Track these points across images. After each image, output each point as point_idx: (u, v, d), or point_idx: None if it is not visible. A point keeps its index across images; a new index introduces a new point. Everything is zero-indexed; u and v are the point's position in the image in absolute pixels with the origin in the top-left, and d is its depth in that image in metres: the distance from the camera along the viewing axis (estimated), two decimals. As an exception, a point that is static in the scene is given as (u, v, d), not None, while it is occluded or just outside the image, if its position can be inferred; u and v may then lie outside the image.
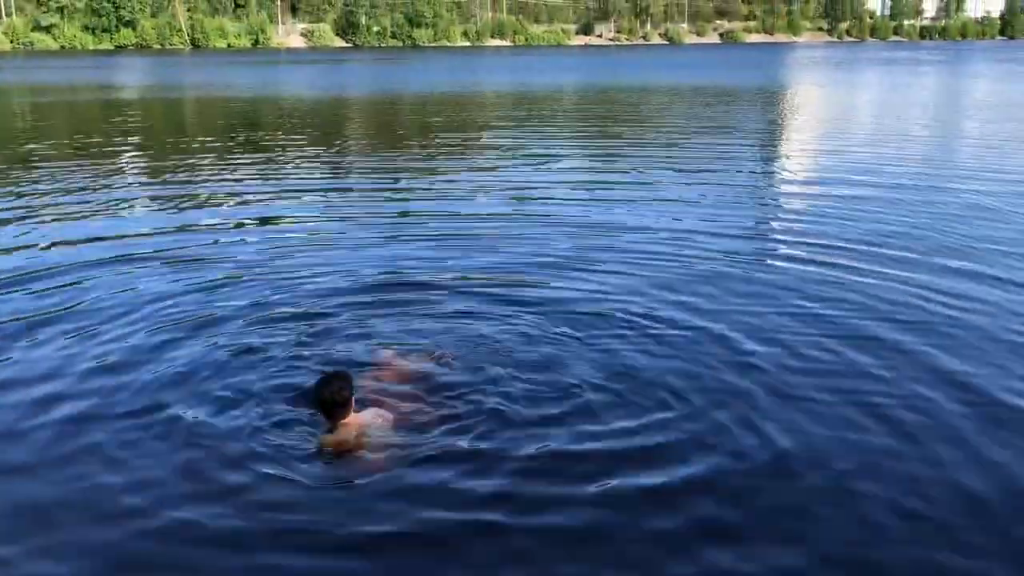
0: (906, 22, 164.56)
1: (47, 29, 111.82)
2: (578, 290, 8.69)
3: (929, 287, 8.72)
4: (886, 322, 7.72)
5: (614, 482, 5.03)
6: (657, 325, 7.62)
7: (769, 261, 10.00)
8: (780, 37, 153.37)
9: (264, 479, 5.04)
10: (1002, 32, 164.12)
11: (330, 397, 5.26)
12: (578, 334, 7.34)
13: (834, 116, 29.82)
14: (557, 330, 7.44)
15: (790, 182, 16.09)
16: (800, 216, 12.75)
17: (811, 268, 9.52)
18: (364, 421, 5.39)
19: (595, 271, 9.39)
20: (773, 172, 17.28)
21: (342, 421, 5.32)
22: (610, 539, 4.55)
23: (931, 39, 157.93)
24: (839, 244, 10.57)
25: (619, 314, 7.87)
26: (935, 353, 7.00)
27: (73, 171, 17.08)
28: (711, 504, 4.89)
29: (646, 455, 5.33)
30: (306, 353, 6.90)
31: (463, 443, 5.39)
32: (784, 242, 11.03)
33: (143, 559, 4.45)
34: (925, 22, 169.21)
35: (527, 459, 5.25)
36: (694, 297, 8.43)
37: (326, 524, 4.65)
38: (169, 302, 8.39)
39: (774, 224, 12.52)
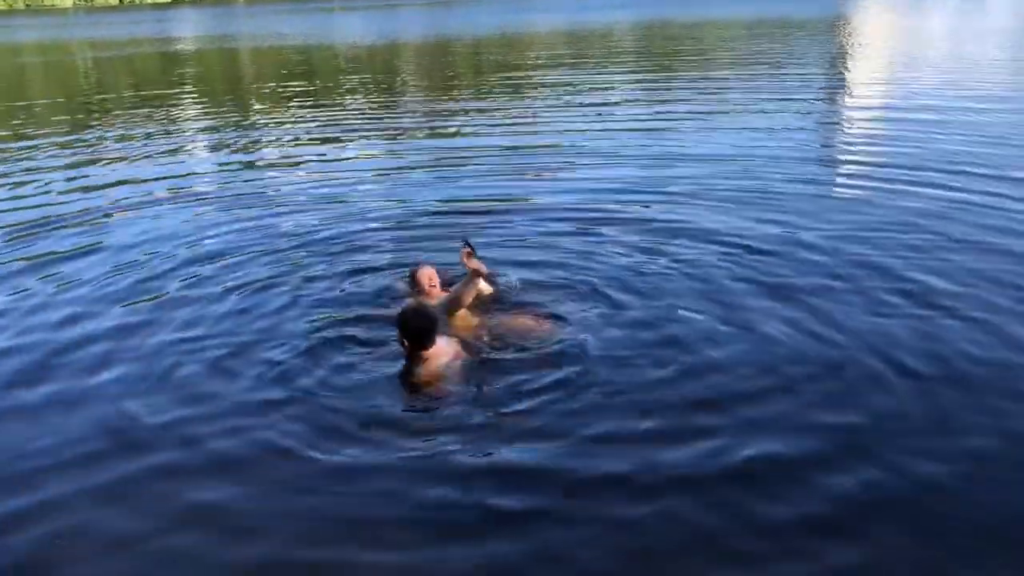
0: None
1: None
2: (648, 219, 8.72)
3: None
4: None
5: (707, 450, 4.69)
6: (740, 250, 7.61)
7: (845, 183, 9.89)
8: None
9: (361, 417, 5.07)
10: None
11: (420, 326, 5.36)
12: (654, 258, 7.47)
13: (901, 43, 28.80)
14: (622, 253, 7.58)
15: (862, 108, 15.69)
16: (876, 141, 12.49)
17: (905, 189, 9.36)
18: (443, 350, 5.49)
19: (670, 200, 9.42)
20: (843, 100, 16.83)
21: (426, 352, 5.40)
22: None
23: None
24: (930, 165, 10.48)
25: (701, 241, 7.90)
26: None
27: (135, 121, 17.53)
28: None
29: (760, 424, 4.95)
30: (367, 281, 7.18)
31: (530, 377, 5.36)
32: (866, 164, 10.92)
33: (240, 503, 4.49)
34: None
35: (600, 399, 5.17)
36: (778, 217, 8.54)
37: (435, 458, 4.67)
38: (231, 237, 8.75)
39: (853, 149, 12.36)
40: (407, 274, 6.85)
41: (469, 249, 5.96)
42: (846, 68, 22.54)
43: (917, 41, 30.09)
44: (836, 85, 19.33)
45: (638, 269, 7.32)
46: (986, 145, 11.76)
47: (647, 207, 9.29)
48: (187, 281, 7.52)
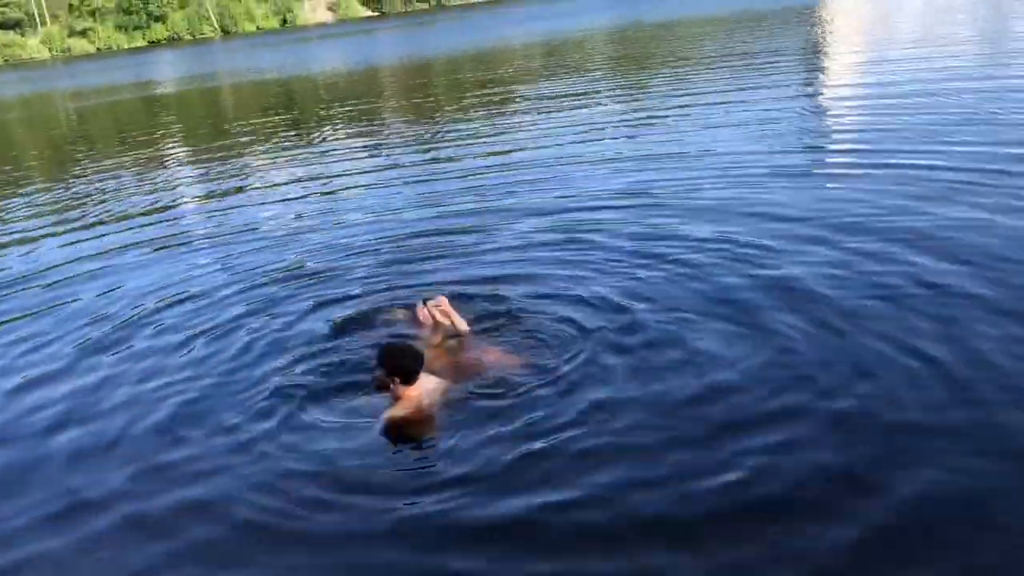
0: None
1: (83, 33, 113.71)
2: (627, 228, 8.73)
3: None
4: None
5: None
6: (730, 249, 7.67)
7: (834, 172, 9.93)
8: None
9: (335, 455, 5.05)
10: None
11: (406, 361, 5.31)
12: (636, 262, 7.56)
13: (871, 28, 28.94)
14: (611, 260, 7.70)
15: (840, 96, 15.79)
16: (856, 128, 12.61)
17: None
18: (427, 388, 5.40)
19: (656, 203, 9.53)
20: (821, 89, 16.91)
21: (406, 392, 5.32)
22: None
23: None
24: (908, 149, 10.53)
25: (687, 240, 8.00)
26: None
27: (119, 166, 17.57)
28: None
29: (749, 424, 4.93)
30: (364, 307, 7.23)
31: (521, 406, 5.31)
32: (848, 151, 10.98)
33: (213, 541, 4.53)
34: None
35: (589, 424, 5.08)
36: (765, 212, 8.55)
37: (404, 498, 4.60)
38: (207, 279, 8.82)
39: (835, 138, 12.46)
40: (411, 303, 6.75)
41: (438, 305, 6.21)
42: (821, 56, 22.65)
43: (887, 25, 30.22)
44: (812, 74, 19.39)
45: (633, 276, 7.30)
46: (964, 123, 11.80)
47: (636, 211, 9.32)
48: (156, 330, 7.51)
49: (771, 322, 6.13)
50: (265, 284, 8.40)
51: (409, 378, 5.30)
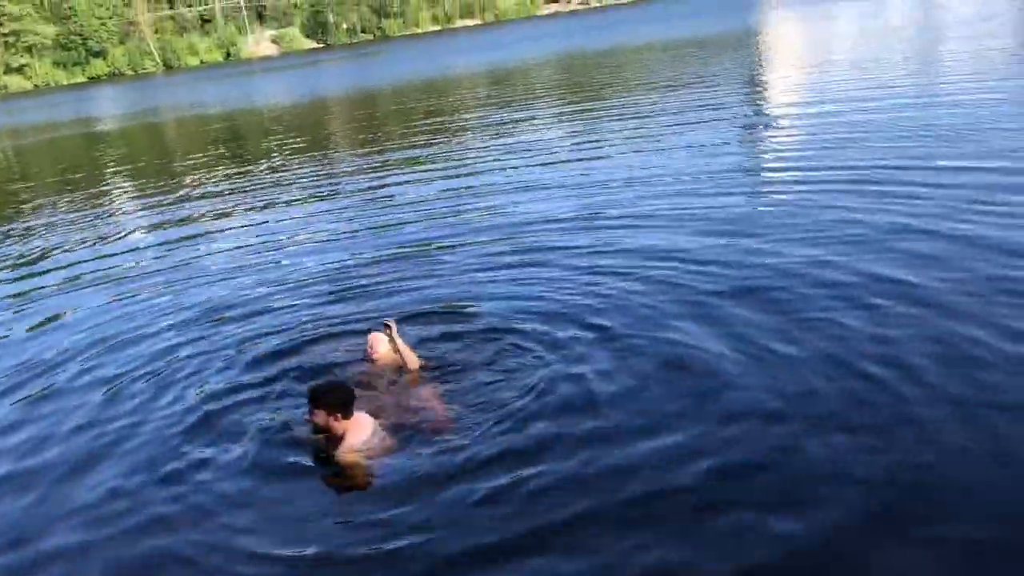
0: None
1: (19, 70, 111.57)
2: (580, 247, 8.91)
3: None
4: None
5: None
6: (691, 267, 7.85)
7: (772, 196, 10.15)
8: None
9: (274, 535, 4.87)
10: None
11: (342, 396, 5.33)
12: (577, 291, 7.57)
13: (808, 51, 29.71)
14: (561, 280, 7.83)
15: (782, 117, 16.14)
16: (793, 150, 12.92)
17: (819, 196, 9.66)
18: (360, 438, 5.31)
19: (603, 228, 9.63)
20: (759, 112, 17.29)
21: (350, 424, 5.30)
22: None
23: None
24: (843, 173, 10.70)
25: (647, 261, 8.14)
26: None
27: (62, 205, 17.28)
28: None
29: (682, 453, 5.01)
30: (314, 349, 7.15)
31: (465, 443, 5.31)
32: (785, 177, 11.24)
33: None
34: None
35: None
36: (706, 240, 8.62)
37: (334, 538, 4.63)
38: (144, 316, 8.73)
39: (778, 157, 12.82)
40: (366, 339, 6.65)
41: (388, 328, 6.22)
42: (761, 80, 23.17)
43: (825, 48, 31.04)
44: (754, 97, 19.86)
45: (586, 293, 7.49)
46: (900, 140, 12.24)
47: (587, 235, 9.48)
48: (79, 370, 7.43)
49: (725, 329, 6.41)
50: (206, 320, 8.36)
51: (348, 410, 5.29)
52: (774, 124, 15.61)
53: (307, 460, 5.40)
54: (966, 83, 16.56)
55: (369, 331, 6.68)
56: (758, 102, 18.92)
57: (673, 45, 38.81)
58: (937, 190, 9.29)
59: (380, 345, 6.43)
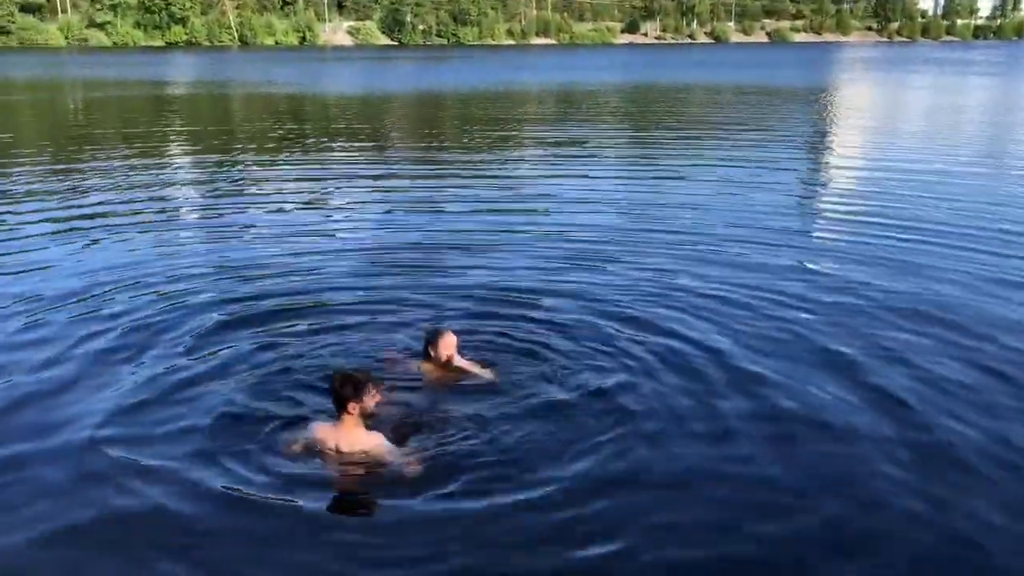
0: (959, 21, 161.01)
1: (101, 26, 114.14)
2: (608, 286, 8.64)
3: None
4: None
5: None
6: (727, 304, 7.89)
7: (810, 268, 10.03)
8: (828, 36, 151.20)
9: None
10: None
11: (363, 376, 5.24)
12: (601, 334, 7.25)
13: (882, 116, 29.36)
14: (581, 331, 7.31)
15: (835, 182, 15.93)
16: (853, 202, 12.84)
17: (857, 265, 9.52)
18: (371, 447, 5.19)
19: (635, 270, 9.29)
20: (819, 172, 17.08)
21: (345, 424, 5.17)
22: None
23: (985, 39, 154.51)
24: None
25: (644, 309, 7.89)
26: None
27: (118, 158, 17.50)
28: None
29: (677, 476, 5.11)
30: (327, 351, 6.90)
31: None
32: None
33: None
34: (979, 21, 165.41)
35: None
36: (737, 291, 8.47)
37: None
38: (206, 285, 8.66)
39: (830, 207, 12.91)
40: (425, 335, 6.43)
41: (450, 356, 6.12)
42: (825, 133, 22.94)
43: (894, 112, 30.68)
44: (816, 149, 19.67)
45: (635, 309, 7.69)
46: (948, 209, 12.25)
47: (630, 259, 9.50)
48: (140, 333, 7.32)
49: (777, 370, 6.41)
50: (229, 278, 8.59)
51: (337, 405, 5.18)
52: (828, 178, 15.77)
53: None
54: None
55: (424, 338, 6.39)
56: (818, 155, 18.81)
57: (746, 91, 38.59)
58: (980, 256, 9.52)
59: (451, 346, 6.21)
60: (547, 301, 7.93)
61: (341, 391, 5.11)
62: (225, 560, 4.38)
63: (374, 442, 5.18)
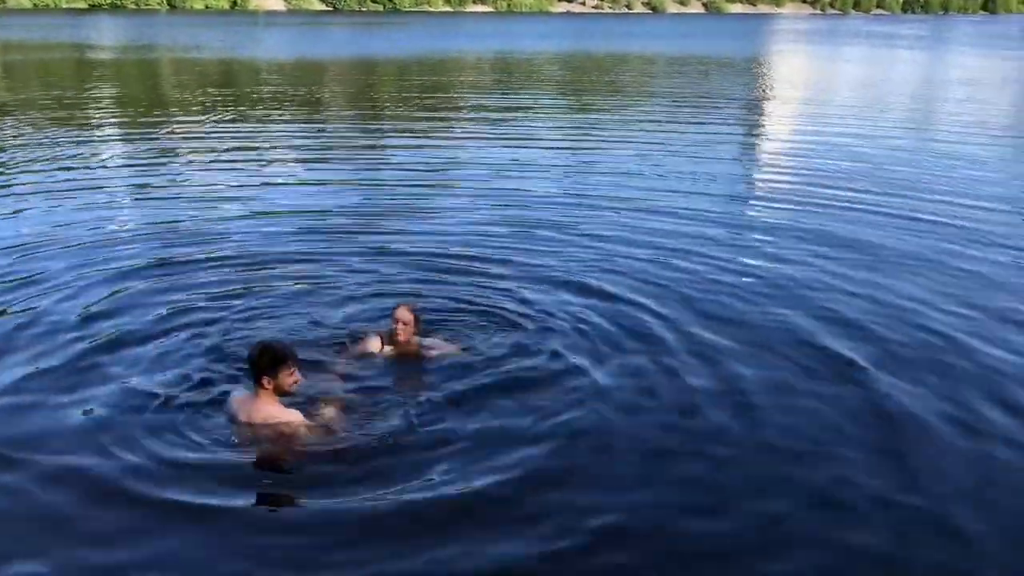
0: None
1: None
2: (544, 258, 8.45)
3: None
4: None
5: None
6: (636, 290, 7.51)
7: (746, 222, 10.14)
8: (763, 8, 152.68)
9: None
10: (984, 7, 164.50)
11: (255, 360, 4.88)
12: (535, 301, 7.11)
13: (814, 87, 29.82)
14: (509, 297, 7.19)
15: (770, 151, 16.15)
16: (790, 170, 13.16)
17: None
18: (291, 421, 4.92)
19: (572, 238, 9.21)
20: (754, 141, 17.30)
21: (263, 393, 4.88)
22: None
23: (913, 12, 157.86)
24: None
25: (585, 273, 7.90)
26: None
27: (45, 126, 16.85)
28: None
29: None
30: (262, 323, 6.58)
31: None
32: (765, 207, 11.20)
33: None
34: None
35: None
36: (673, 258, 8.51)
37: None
38: (127, 256, 8.35)
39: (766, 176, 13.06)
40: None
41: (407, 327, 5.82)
42: (761, 104, 23.21)
43: (827, 83, 31.20)
44: (750, 117, 19.91)
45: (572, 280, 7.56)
46: (877, 176, 12.57)
47: (570, 226, 9.48)
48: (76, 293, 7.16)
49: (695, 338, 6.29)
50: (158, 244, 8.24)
51: (295, 362, 4.94)
52: (764, 146, 15.90)
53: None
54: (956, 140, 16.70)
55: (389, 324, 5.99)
56: (754, 122, 19.08)
57: (682, 61, 38.81)
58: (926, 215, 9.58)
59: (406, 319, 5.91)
60: (491, 267, 7.88)
61: (257, 361, 4.82)
62: (92, 556, 4.05)
63: (288, 418, 4.88)
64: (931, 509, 4.46)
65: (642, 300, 7.09)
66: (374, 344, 5.94)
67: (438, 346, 6.02)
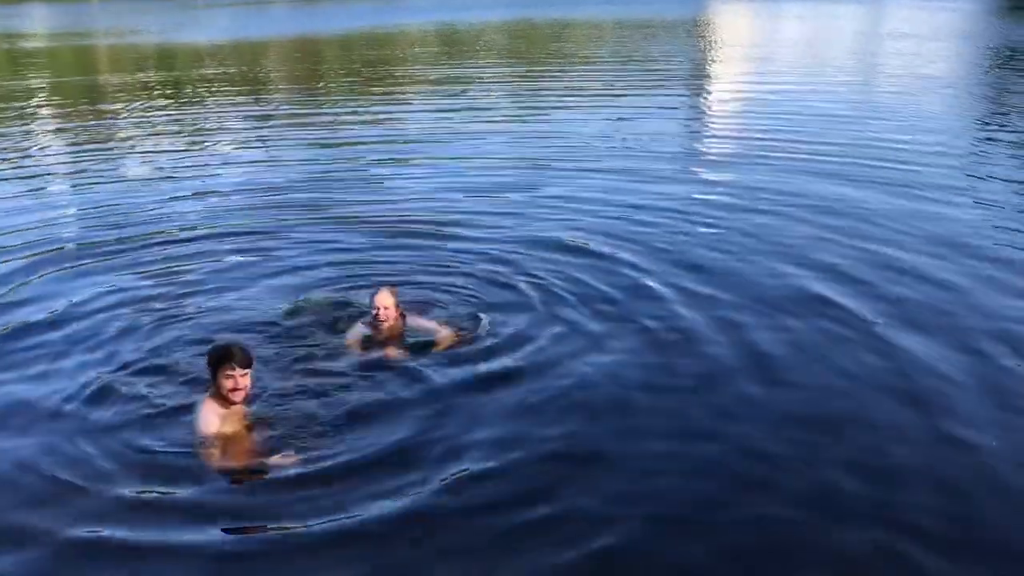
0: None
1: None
2: (512, 219, 8.44)
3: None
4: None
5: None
6: (592, 257, 7.34)
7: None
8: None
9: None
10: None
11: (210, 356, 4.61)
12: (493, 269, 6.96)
13: (759, 46, 30.01)
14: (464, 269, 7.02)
15: (722, 100, 16.40)
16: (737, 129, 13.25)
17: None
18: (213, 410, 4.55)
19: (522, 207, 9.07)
20: (701, 99, 17.43)
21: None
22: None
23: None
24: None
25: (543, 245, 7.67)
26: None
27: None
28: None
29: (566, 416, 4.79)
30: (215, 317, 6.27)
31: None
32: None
33: None
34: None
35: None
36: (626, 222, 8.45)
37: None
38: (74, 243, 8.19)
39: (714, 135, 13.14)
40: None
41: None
42: (709, 64, 23.37)
43: (772, 41, 31.43)
44: (697, 78, 20.05)
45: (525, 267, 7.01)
46: (825, 129, 12.78)
47: (529, 191, 9.41)
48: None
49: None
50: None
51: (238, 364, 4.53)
52: (710, 106, 16.05)
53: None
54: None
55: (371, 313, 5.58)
56: (699, 84, 19.21)
57: (623, 25, 38.77)
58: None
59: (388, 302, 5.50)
60: (460, 230, 7.82)
61: (207, 359, 4.57)
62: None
63: (203, 430, 4.46)
64: (980, 472, 4.24)
65: (623, 256, 7.04)
66: (357, 335, 5.52)
67: (425, 328, 5.59)
